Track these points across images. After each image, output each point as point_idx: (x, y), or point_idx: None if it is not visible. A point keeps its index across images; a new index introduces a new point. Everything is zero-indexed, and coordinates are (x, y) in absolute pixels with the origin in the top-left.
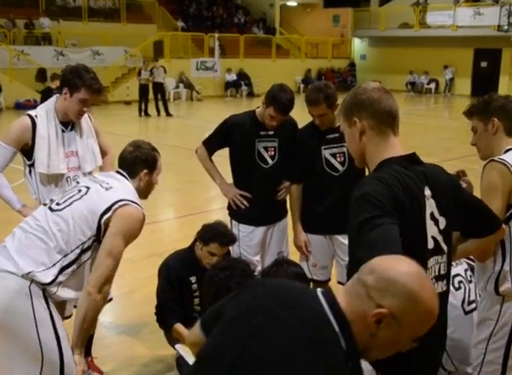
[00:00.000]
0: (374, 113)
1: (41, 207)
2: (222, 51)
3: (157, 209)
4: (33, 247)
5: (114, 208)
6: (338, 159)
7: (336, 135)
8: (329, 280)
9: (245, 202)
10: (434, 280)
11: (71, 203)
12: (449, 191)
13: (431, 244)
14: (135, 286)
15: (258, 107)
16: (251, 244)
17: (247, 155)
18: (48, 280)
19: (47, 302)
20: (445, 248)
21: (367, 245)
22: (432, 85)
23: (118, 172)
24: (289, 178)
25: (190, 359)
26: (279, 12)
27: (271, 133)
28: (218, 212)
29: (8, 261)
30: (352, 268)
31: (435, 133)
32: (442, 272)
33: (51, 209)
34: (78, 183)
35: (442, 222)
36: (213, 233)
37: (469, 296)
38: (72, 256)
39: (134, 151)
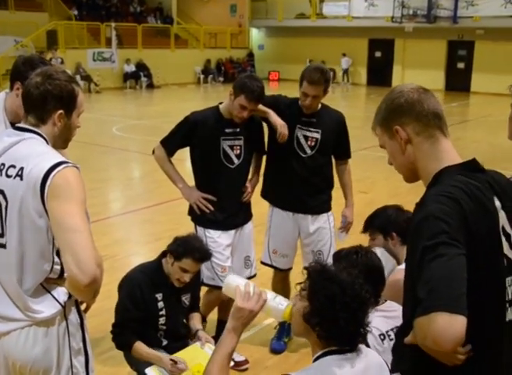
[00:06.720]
0: (417, 116)
1: None
2: (120, 41)
3: None
4: None
5: (46, 191)
6: (309, 143)
7: (314, 120)
8: (291, 268)
9: (210, 206)
10: (507, 304)
11: None
12: None
13: (504, 263)
14: None
15: (221, 103)
16: (221, 250)
17: (212, 154)
18: None
19: None
20: None
21: (425, 281)
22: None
23: (18, 127)
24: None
25: None
26: (176, 1)
27: (237, 130)
28: (141, 212)
29: None
30: (409, 305)
31: None
32: None
33: None
34: None
35: None
36: (187, 248)
37: None
38: None
39: (43, 84)
